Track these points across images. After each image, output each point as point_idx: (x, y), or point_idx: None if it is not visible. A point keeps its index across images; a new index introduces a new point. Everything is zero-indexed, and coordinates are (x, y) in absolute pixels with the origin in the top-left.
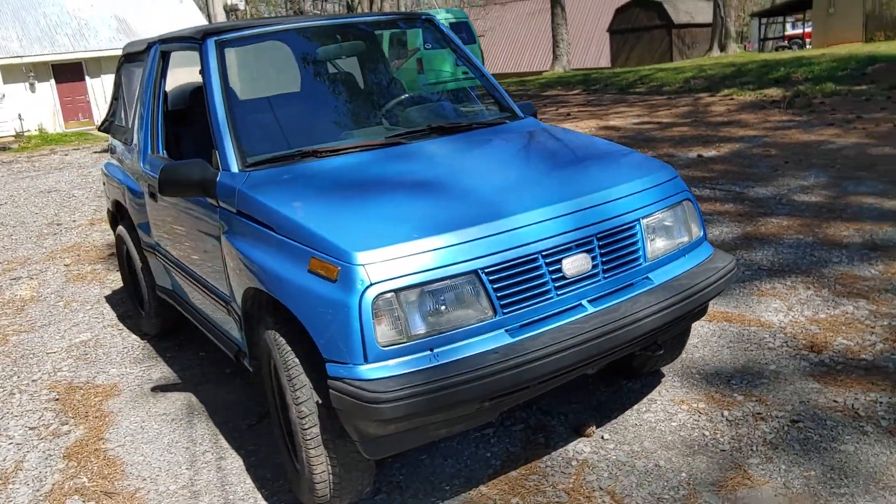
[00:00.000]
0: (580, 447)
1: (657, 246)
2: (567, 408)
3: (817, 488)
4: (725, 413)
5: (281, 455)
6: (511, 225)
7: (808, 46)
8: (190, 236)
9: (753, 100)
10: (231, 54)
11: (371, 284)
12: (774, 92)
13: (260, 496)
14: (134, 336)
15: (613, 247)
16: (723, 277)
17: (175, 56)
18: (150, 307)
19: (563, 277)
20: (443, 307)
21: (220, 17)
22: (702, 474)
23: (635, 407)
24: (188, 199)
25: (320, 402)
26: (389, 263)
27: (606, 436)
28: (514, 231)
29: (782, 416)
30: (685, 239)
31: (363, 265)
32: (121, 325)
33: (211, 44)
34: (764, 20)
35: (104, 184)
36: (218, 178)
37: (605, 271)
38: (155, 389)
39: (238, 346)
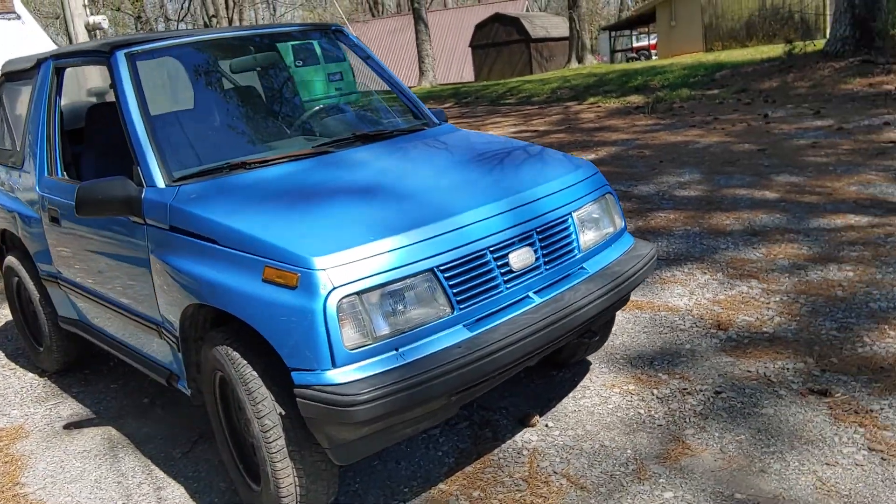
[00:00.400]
0: (527, 437)
1: (588, 237)
2: (506, 402)
3: (749, 450)
4: (654, 392)
5: (229, 477)
6: (459, 223)
7: (654, 57)
8: (107, 260)
9: (619, 106)
10: (140, 67)
11: (334, 288)
12: (636, 98)
13: None
14: (31, 374)
15: (552, 240)
16: (648, 263)
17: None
18: (50, 342)
19: (511, 271)
20: (403, 307)
21: (82, 37)
22: (645, 449)
23: (570, 394)
24: (104, 221)
25: (283, 413)
26: (349, 266)
27: (550, 423)
28: (462, 229)
29: (706, 389)
30: (610, 230)
31: (324, 269)
32: (12, 365)
33: (121, 56)
34: (613, 33)
35: None
36: (143, 195)
37: (546, 263)
38: (68, 427)
39: (170, 371)
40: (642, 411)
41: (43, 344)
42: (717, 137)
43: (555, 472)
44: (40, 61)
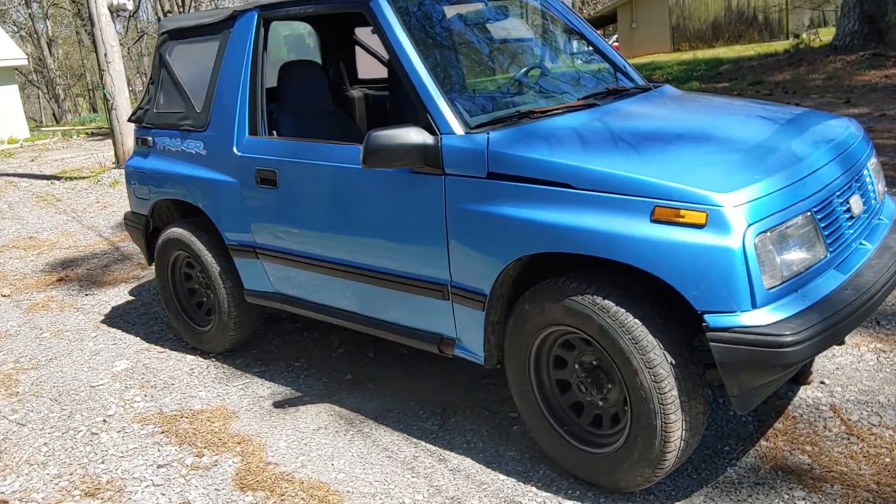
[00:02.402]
0: (811, 394)
1: (879, 188)
2: None
3: None
4: None
5: (518, 445)
6: (814, 166)
7: None
8: (360, 220)
9: None
10: (404, 12)
11: (749, 226)
12: None
13: (534, 488)
14: (190, 356)
15: (864, 188)
16: None
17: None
18: (227, 319)
19: (851, 217)
20: (795, 248)
21: (105, 18)
22: None
23: (820, 356)
24: (360, 175)
25: (674, 361)
26: (753, 205)
27: (826, 381)
28: (818, 171)
29: None
30: (883, 184)
31: (736, 206)
32: (160, 347)
33: (383, 1)
34: None
35: (134, 185)
36: (442, 143)
37: (865, 211)
38: (280, 405)
39: (441, 336)
40: None
41: (213, 323)
42: None
43: (873, 425)
44: (236, 14)
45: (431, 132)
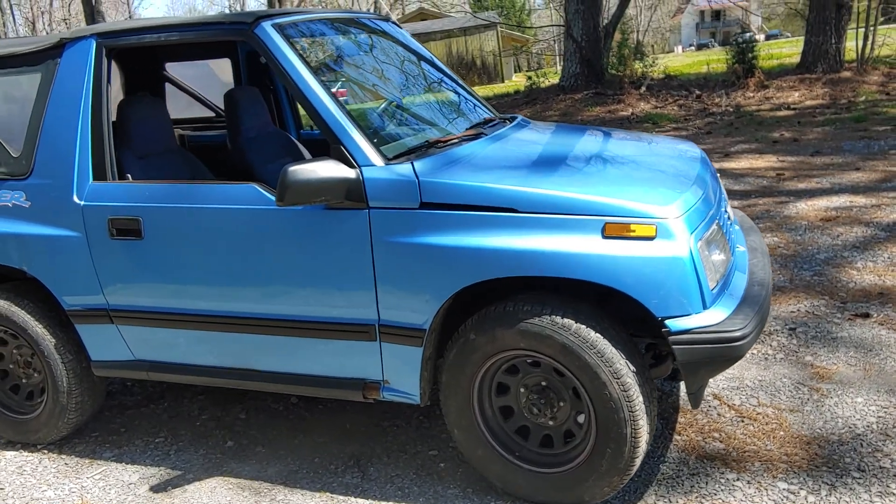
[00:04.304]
0: None
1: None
2: None
3: (867, 360)
4: None
5: (455, 482)
6: (705, 181)
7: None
8: (273, 263)
9: None
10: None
11: (691, 233)
12: None
13: None
14: (10, 452)
15: (726, 200)
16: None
17: None
18: (68, 399)
19: (732, 224)
20: (717, 252)
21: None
22: (796, 376)
23: None
24: (267, 217)
25: (634, 369)
26: (688, 216)
27: None
28: (709, 186)
29: (781, 329)
30: None
31: (677, 217)
32: None
33: (269, 27)
34: None
35: None
36: (364, 176)
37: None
38: (159, 490)
39: (366, 380)
40: (755, 352)
41: (43, 407)
42: None
43: (754, 406)
44: (66, 42)
45: (349, 165)
